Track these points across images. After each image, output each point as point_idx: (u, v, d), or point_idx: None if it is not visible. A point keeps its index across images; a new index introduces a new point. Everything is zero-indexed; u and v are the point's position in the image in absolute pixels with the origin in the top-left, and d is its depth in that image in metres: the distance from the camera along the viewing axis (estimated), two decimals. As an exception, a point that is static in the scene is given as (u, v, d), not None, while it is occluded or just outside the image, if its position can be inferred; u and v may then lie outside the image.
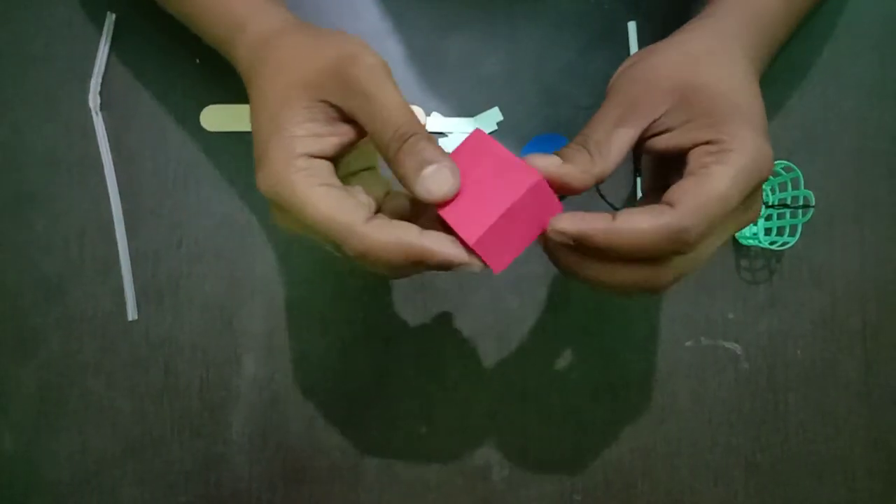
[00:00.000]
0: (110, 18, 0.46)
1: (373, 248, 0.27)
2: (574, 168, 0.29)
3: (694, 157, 0.28)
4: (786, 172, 0.43)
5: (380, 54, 0.30)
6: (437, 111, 0.46)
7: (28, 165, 0.46)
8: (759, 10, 0.34)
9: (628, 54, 0.46)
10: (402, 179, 0.29)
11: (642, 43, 0.46)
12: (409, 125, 0.29)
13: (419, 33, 0.46)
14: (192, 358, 0.45)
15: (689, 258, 0.28)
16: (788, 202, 0.43)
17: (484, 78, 0.46)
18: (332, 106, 0.30)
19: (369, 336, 0.45)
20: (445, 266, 0.28)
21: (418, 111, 0.46)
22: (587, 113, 0.46)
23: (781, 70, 0.47)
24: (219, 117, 0.46)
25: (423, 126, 0.30)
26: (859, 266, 0.46)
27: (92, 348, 0.45)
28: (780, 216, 0.44)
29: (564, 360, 0.46)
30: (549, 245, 0.30)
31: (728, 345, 0.46)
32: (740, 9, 0.33)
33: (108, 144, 0.45)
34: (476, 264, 0.28)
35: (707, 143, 0.28)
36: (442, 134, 0.46)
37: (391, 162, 0.29)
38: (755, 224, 0.45)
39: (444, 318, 0.45)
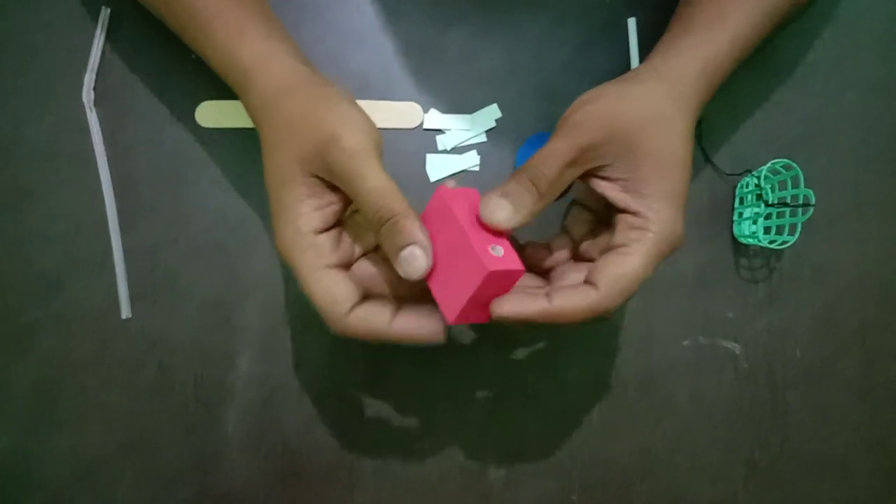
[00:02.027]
0: (105, 13, 0.46)
1: (352, 335, 0.32)
2: (525, 216, 0.33)
3: (620, 227, 0.33)
4: (785, 171, 0.42)
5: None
6: (435, 107, 0.46)
7: (23, 160, 0.45)
8: (711, 55, 0.36)
9: (628, 51, 0.46)
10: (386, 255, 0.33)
11: (642, 39, 0.46)
12: (385, 209, 0.31)
13: (417, 28, 0.46)
14: (187, 355, 0.45)
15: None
16: (788, 201, 0.43)
17: (482, 74, 0.46)
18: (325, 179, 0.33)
19: (366, 334, 0.45)
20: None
21: (416, 108, 0.45)
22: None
23: (781, 67, 0.47)
24: (214, 113, 0.45)
25: (402, 199, 0.32)
26: (859, 264, 0.46)
27: (87, 345, 0.45)
28: (779, 215, 0.44)
29: (562, 358, 0.45)
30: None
31: (727, 344, 0.46)
32: (695, 59, 0.36)
33: (102, 140, 0.45)
34: (442, 339, 0.33)
35: (634, 213, 0.33)
36: (439, 131, 0.46)
37: (376, 238, 0.33)
38: (754, 223, 0.45)
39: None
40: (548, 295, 0.32)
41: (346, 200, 0.34)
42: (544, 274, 0.38)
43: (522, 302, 0.32)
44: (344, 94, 0.35)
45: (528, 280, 0.36)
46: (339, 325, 0.32)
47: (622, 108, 0.33)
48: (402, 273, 0.32)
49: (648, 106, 0.33)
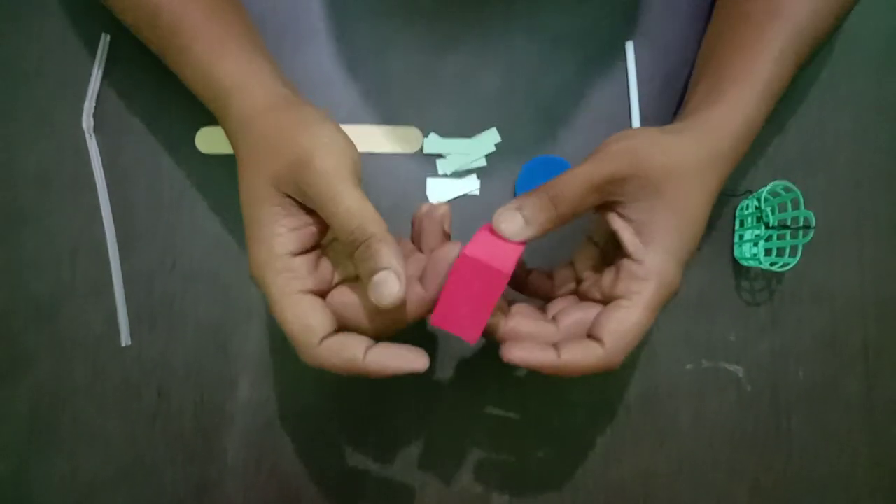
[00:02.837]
0: (104, 39, 0.46)
1: (324, 365, 0.32)
2: (536, 230, 0.33)
3: (623, 275, 0.33)
4: (785, 192, 0.42)
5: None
6: (435, 132, 0.46)
7: (20, 184, 0.45)
8: (749, 113, 0.36)
9: (626, 74, 0.46)
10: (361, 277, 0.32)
11: (640, 63, 0.46)
12: (359, 231, 0.31)
13: (415, 53, 0.46)
14: (185, 381, 0.44)
15: None
16: (788, 223, 0.43)
17: (481, 97, 0.46)
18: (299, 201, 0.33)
19: (366, 358, 0.45)
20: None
21: (416, 133, 0.45)
22: (585, 133, 0.46)
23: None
24: (214, 139, 0.45)
25: (379, 223, 0.32)
26: (859, 284, 0.46)
27: (84, 371, 0.44)
28: (780, 237, 0.44)
29: (564, 381, 0.45)
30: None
31: (729, 366, 0.45)
32: (734, 116, 0.36)
33: (101, 167, 0.45)
34: (418, 366, 0.32)
35: (639, 262, 0.33)
36: (439, 155, 0.46)
37: (353, 263, 0.33)
38: (755, 245, 0.45)
39: (443, 339, 0.45)
40: (556, 347, 0.33)
41: (325, 224, 0.33)
42: (545, 301, 0.38)
43: (532, 352, 0.32)
44: (322, 116, 0.34)
45: (526, 309, 0.36)
46: (310, 354, 0.32)
47: (655, 153, 0.33)
48: (373, 298, 0.31)
49: (681, 158, 0.34)
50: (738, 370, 0.45)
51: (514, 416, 0.45)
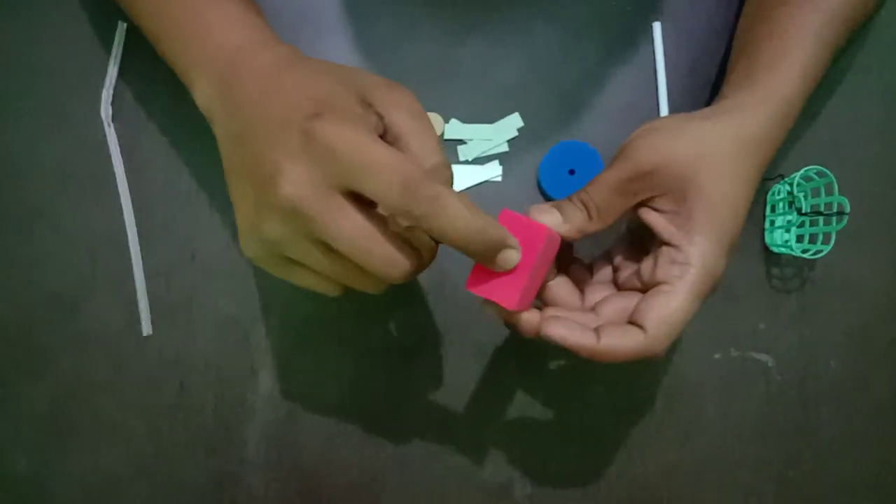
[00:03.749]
0: (121, 28, 0.45)
1: (450, 206, 0.27)
2: (572, 227, 0.33)
3: (661, 261, 0.32)
4: (819, 178, 0.41)
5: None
6: (456, 118, 0.45)
7: (38, 179, 0.45)
8: (787, 97, 0.35)
9: (651, 57, 0.45)
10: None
11: (667, 44, 0.45)
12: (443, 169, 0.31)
13: (435, 40, 0.45)
14: (206, 375, 0.44)
15: None
16: (822, 208, 0.41)
17: (502, 84, 0.45)
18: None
19: (386, 351, 0.44)
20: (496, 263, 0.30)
21: (437, 119, 0.44)
22: (609, 118, 0.44)
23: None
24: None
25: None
26: (893, 273, 0.45)
27: (104, 366, 0.44)
28: (812, 223, 0.43)
29: (587, 373, 0.44)
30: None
31: (759, 356, 0.44)
32: (770, 110, 0.35)
33: (120, 156, 0.44)
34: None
35: (676, 247, 0.32)
36: (461, 141, 0.45)
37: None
38: (787, 232, 0.44)
39: (463, 332, 0.44)
40: (597, 331, 0.31)
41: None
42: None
43: (572, 331, 0.31)
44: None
45: (566, 287, 0.35)
46: (430, 187, 0.27)
47: (678, 142, 0.33)
48: (496, 263, 0.30)
49: (707, 143, 0.33)
50: (768, 360, 0.44)
51: (535, 408, 0.44)
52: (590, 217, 0.33)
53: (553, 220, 0.33)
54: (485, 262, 0.30)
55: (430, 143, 0.31)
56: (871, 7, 0.39)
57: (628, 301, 0.33)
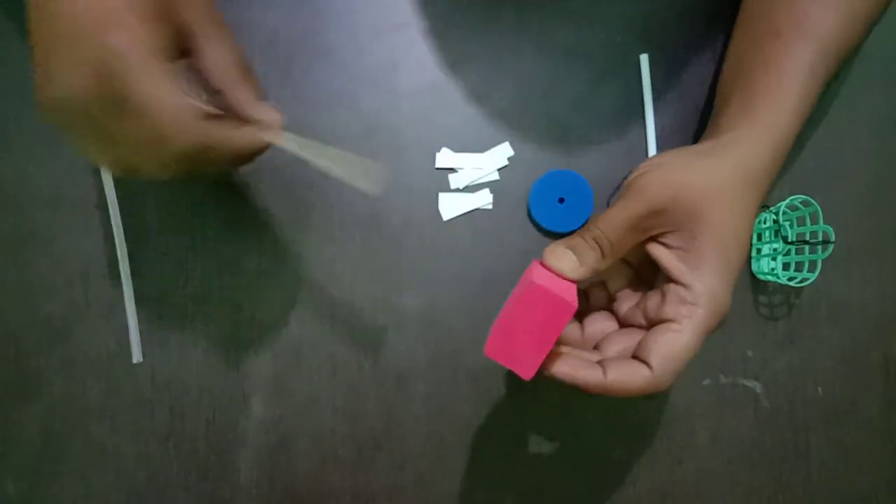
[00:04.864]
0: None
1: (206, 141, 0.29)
2: (588, 270, 0.33)
3: (670, 299, 0.33)
4: (804, 207, 0.42)
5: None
6: (447, 146, 0.45)
7: (30, 204, 0.45)
8: (784, 131, 0.36)
9: (639, 87, 0.46)
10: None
11: (655, 75, 0.45)
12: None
13: (426, 68, 0.46)
14: (198, 400, 0.44)
15: None
16: (807, 237, 0.42)
17: (493, 112, 0.46)
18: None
19: (378, 376, 0.44)
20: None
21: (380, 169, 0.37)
22: (599, 147, 0.45)
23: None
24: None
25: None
26: (879, 300, 0.45)
27: (96, 391, 0.44)
28: (798, 251, 0.43)
29: (579, 398, 0.44)
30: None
31: (747, 383, 0.45)
32: (766, 135, 0.35)
33: (112, 181, 0.45)
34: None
35: (686, 286, 0.32)
36: (452, 169, 0.45)
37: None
38: (773, 260, 0.44)
39: (455, 358, 0.44)
40: (602, 366, 0.32)
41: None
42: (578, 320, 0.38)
43: (577, 369, 0.32)
44: None
45: (570, 330, 0.36)
46: (191, 130, 0.28)
47: (689, 178, 0.33)
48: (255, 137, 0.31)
49: (715, 180, 0.33)
50: (757, 386, 0.45)
51: (527, 434, 0.44)
52: (603, 256, 0.33)
53: (570, 265, 0.33)
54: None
55: (224, 55, 0.31)
56: (861, 35, 0.39)
57: (633, 340, 0.34)
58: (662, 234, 0.34)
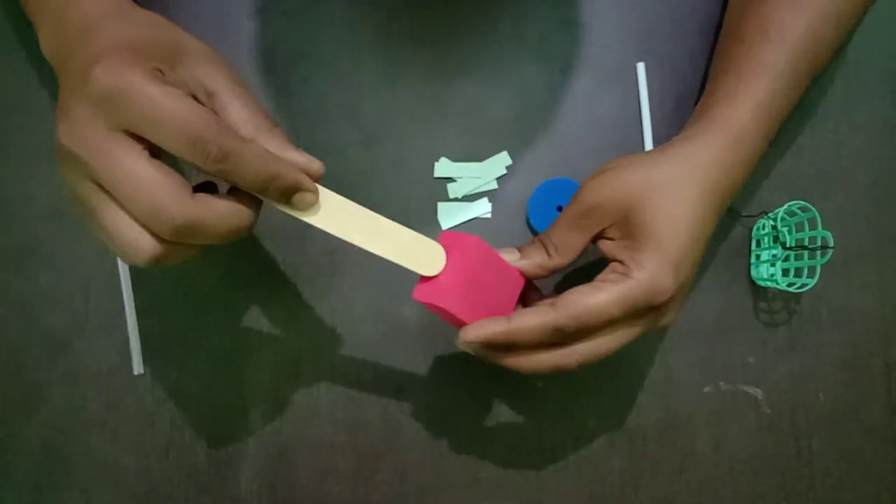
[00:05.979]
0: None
1: (200, 219, 0.29)
2: (530, 263, 0.36)
3: (605, 272, 0.34)
4: (802, 212, 0.42)
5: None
6: (446, 156, 0.45)
7: (31, 218, 0.45)
8: (737, 123, 0.36)
9: (637, 95, 0.46)
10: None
11: (650, 85, 0.46)
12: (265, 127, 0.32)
13: (425, 80, 0.46)
14: (198, 412, 0.44)
15: (588, 346, 0.33)
16: (806, 243, 0.42)
17: (492, 122, 0.46)
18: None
19: (379, 387, 0.44)
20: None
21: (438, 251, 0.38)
22: (596, 156, 0.45)
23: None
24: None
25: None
26: (879, 305, 0.45)
27: (97, 403, 0.44)
28: (797, 257, 0.43)
29: (579, 407, 0.44)
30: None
31: (749, 389, 0.45)
32: (720, 137, 0.36)
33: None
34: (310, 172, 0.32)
35: (621, 262, 0.34)
36: (451, 179, 0.45)
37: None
38: (772, 266, 0.44)
39: (455, 368, 0.44)
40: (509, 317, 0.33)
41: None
42: None
43: (484, 325, 0.33)
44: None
45: None
46: (184, 206, 0.28)
47: (622, 175, 0.35)
48: (291, 206, 0.31)
49: (653, 172, 0.35)
50: (758, 393, 0.45)
51: (528, 443, 0.44)
52: (548, 254, 0.36)
53: (511, 257, 0.36)
54: (283, 205, 0.31)
55: (251, 106, 0.32)
56: (835, 37, 0.39)
57: None
58: (606, 230, 0.35)
